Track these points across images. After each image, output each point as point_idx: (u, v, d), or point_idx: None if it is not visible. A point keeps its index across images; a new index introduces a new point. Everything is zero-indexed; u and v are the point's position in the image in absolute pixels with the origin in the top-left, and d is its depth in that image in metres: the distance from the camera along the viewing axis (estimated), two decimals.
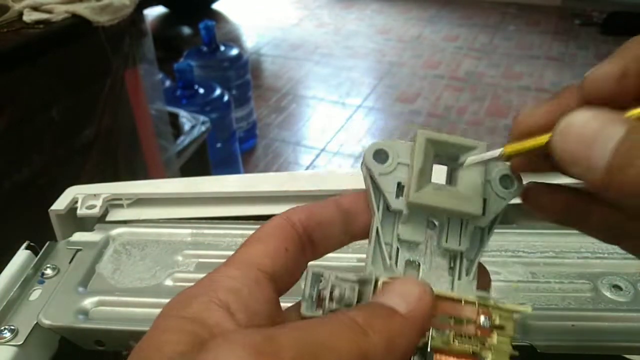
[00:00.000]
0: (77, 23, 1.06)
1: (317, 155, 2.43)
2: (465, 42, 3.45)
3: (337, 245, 0.30)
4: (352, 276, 0.27)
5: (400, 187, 0.28)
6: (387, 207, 0.29)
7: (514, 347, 0.25)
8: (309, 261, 0.29)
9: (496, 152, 0.27)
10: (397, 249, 0.29)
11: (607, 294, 0.45)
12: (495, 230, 0.29)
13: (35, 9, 1.04)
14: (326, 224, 0.29)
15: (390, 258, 0.28)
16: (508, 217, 0.53)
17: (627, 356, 0.42)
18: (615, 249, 0.49)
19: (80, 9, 1.06)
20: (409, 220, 0.28)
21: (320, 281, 0.27)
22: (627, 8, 3.50)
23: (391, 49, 3.41)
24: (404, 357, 0.22)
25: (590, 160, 0.21)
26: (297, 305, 0.28)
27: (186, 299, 0.23)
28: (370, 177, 0.29)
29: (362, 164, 0.29)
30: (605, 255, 0.48)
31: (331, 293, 0.26)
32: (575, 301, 0.44)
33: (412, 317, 0.22)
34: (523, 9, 3.87)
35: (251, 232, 0.55)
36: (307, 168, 2.38)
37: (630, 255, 0.48)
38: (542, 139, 0.24)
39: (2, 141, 1.00)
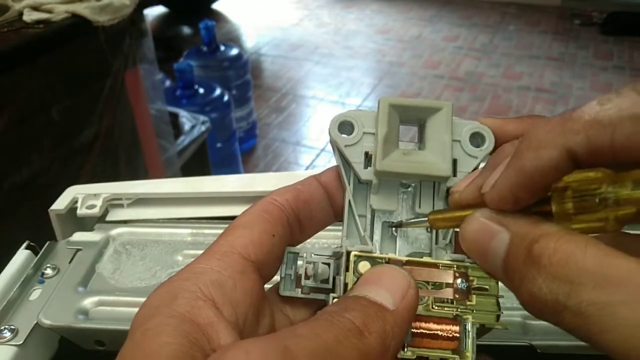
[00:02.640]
0: (77, 23, 1.06)
1: (317, 155, 2.43)
2: (465, 42, 3.45)
3: (323, 224, 0.29)
4: (328, 252, 0.27)
5: (368, 157, 0.28)
6: (358, 180, 0.28)
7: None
8: (298, 243, 0.28)
9: (425, 219, 0.27)
10: (372, 219, 0.28)
11: None
12: None
13: (35, 9, 1.04)
14: (313, 202, 0.28)
15: (364, 230, 0.28)
16: None
17: None
18: None
19: (80, 9, 1.06)
20: (379, 189, 0.28)
21: (298, 260, 0.27)
22: (627, 8, 3.50)
23: (391, 49, 3.41)
24: (397, 350, 0.22)
25: (490, 271, 0.24)
26: (276, 287, 0.28)
27: (169, 292, 0.23)
28: (338, 150, 0.28)
29: (330, 139, 0.29)
30: None
31: (307, 270, 0.27)
32: None
33: (400, 313, 0.22)
34: (523, 9, 3.87)
35: None
36: (307, 168, 2.38)
37: None
38: (460, 216, 0.26)
39: (2, 141, 1.00)
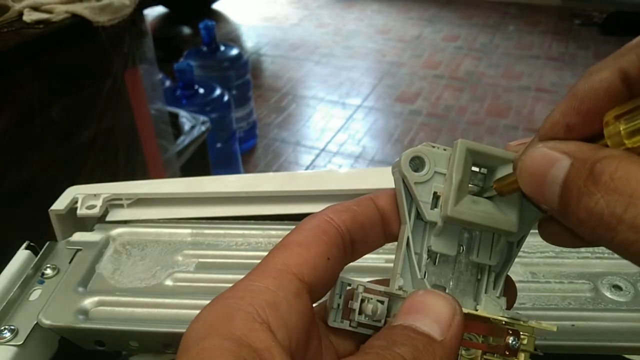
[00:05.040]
0: (77, 23, 1.06)
1: (317, 155, 2.43)
2: (465, 42, 3.45)
3: (375, 247, 0.29)
4: (381, 288, 0.27)
5: (435, 197, 0.27)
6: (417, 215, 0.27)
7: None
8: (346, 265, 0.27)
9: (491, 189, 0.27)
10: (427, 260, 0.27)
11: (607, 294, 0.45)
12: None
13: (35, 9, 1.04)
14: (368, 226, 0.28)
15: (420, 270, 0.27)
16: None
17: (627, 356, 0.42)
18: None
19: (80, 9, 1.06)
20: (442, 232, 0.27)
21: (346, 289, 0.27)
22: (627, 8, 3.50)
23: (391, 49, 3.41)
24: None
25: (545, 200, 0.23)
26: (321, 309, 0.27)
27: (225, 312, 0.22)
28: (404, 184, 0.27)
29: (394, 169, 0.28)
30: (605, 255, 0.48)
31: (361, 305, 0.26)
32: (575, 301, 0.44)
33: (448, 343, 0.22)
34: (523, 9, 3.87)
35: (251, 231, 0.55)
36: (307, 168, 2.38)
37: None
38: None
39: (2, 141, 1.00)
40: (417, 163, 0.27)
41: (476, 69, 3.12)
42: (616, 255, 0.49)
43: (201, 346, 0.21)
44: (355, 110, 2.77)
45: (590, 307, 0.44)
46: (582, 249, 0.49)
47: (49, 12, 1.04)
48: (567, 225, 0.22)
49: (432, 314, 0.23)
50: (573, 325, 0.42)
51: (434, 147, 0.27)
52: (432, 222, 0.27)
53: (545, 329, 0.26)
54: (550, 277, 0.47)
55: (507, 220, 0.26)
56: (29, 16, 1.02)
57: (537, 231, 0.52)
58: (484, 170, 0.28)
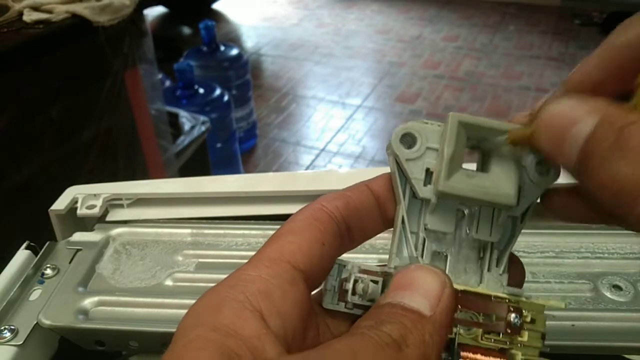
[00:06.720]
0: (77, 23, 1.06)
1: (317, 155, 2.43)
2: (465, 42, 3.45)
3: (373, 233, 0.28)
4: (376, 268, 0.26)
5: (429, 174, 0.26)
6: (413, 194, 0.27)
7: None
8: (345, 252, 0.27)
9: (504, 136, 0.26)
10: (424, 239, 0.27)
11: (607, 294, 0.45)
12: None
13: (35, 9, 1.04)
14: (364, 211, 0.27)
15: (416, 249, 0.27)
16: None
17: (627, 356, 0.42)
18: (616, 249, 0.49)
19: (80, 9, 1.06)
20: (437, 209, 0.27)
21: (343, 272, 0.27)
22: (627, 8, 3.50)
23: (391, 49, 3.41)
24: (437, 358, 0.22)
25: (562, 157, 0.22)
26: (318, 295, 0.27)
27: (215, 302, 0.22)
28: (397, 163, 0.27)
29: (388, 149, 0.27)
30: (605, 255, 0.48)
31: (354, 286, 0.26)
32: (575, 301, 0.44)
33: (438, 318, 0.22)
34: (523, 9, 3.87)
35: (251, 231, 0.55)
36: (307, 168, 2.38)
37: (630, 255, 0.48)
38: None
39: (2, 141, 1.00)
40: (408, 140, 0.27)
41: (476, 69, 3.12)
42: (616, 255, 0.50)
43: (187, 338, 0.20)
44: (355, 110, 2.77)
45: (590, 307, 0.44)
46: (583, 249, 0.49)
47: (49, 12, 1.04)
48: (583, 187, 0.21)
49: (420, 289, 0.22)
50: (573, 325, 0.42)
51: (427, 123, 0.27)
52: (426, 198, 0.26)
53: (552, 306, 0.25)
54: (550, 277, 0.47)
55: (503, 194, 0.25)
56: (29, 16, 1.02)
57: (537, 231, 0.52)
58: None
